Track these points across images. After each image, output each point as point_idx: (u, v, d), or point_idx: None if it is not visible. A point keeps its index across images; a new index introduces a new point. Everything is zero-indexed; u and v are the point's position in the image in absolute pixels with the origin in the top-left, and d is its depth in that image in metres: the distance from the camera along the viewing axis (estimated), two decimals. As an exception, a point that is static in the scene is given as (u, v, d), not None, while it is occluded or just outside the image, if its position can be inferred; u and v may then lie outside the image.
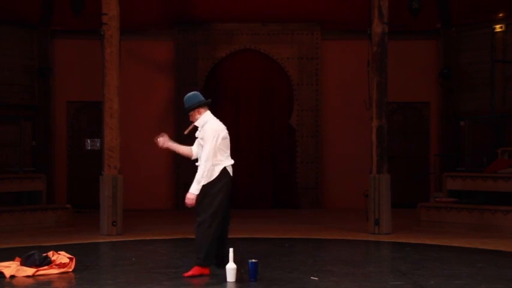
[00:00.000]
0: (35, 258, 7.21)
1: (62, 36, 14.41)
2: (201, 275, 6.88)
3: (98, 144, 14.16)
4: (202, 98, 7.06)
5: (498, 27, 13.53)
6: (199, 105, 7.01)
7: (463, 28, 14.33)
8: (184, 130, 7.22)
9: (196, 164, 7.09)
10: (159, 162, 14.52)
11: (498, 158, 12.13)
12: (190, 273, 6.92)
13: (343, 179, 14.49)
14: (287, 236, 10.18)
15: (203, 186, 6.89)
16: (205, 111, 7.06)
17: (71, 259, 7.35)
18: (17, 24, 13.74)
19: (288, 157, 14.73)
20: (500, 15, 13.66)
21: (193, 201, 6.86)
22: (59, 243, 9.31)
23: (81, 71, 14.18)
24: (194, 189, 6.86)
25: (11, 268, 7.10)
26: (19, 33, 13.82)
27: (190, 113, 7.03)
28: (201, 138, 6.95)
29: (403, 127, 14.87)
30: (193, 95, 7.07)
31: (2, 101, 13.37)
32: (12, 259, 7.40)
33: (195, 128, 7.10)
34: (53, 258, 7.30)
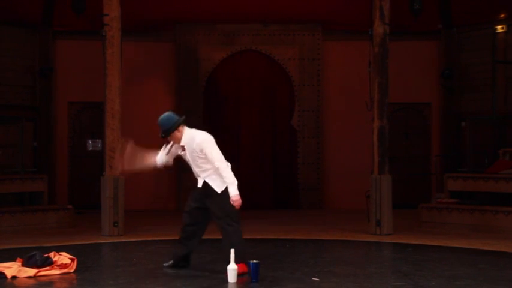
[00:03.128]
0: (36, 259, 7.21)
1: (63, 37, 14.42)
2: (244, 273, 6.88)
3: (99, 145, 14.16)
4: (177, 116, 7.06)
5: (500, 28, 13.52)
6: (179, 125, 7.01)
7: (464, 29, 14.32)
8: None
9: (201, 176, 7.12)
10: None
11: (499, 158, 12.12)
12: (241, 270, 6.89)
13: (344, 179, 14.49)
14: (288, 237, 10.18)
15: (223, 192, 7.01)
16: (183, 128, 7.07)
17: (72, 260, 7.35)
18: (18, 25, 13.75)
19: (289, 158, 14.73)
20: (502, 16, 13.66)
21: (240, 201, 6.99)
22: (61, 244, 9.31)
23: (83, 71, 14.18)
24: (235, 190, 6.97)
25: (13, 269, 7.11)
26: (20, 34, 13.83)
27: (171, 134, 7.02)
28: (200, 151, 6.95)
29: (405, 128, 14.87)
30: (168, 116, 7.05)
31: (4, 101, 13.37)
32: (13, 260, 7.40)
33: (172, 147, 7.16)
34: (54, 259, 7.31)
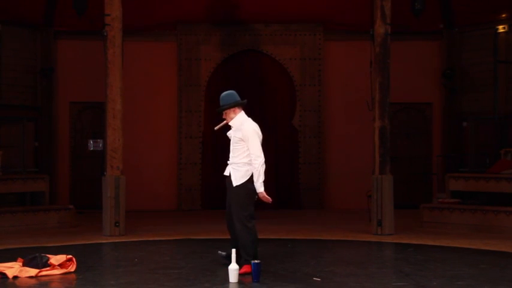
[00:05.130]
0: (37, 262, 7.21)
1: (65, 37, 14.43)
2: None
3: (100, 145, 14.16)
4: (238, 98, 7.26)
5: (501, 28, 13.51)
6: (236, 105, 7.20)
7: (466, 29, 14.31)
8: (215, 126, 7.51)
9: (228, 162, 7.23)
10: (162, 162, 14.53)
11: (501, 158, 12.11)
12: (244, 270, 6.92)
13: (346, 179, 14.48)
14: (289, 237, 10.18)
15: (241, 185, 7.06)
16: (240, 111, 7.26)
17: (70, 259, 7.33)
18: (20, 25, 13.75)
19: (291, 158, 14.73)
20: (503, 15, 13.65)
21: (267, 197, 7.15)
22: (62, 244, 9.33)
23: (84, 71, 14.18)
24: (259, 188, 7.08)
25: (14, 269, 7.11)
26: (22, 34, 13.83)
27: (226, 111, 7.22)
28: (241, 138, 7.09)
29: (406, 128, 14.86)
30: (230, 93, 7.27)
31: (5, 101, 13.37)
32: (14, 260, 7.40)
33: (225, 126, 7.32)
34: (50, 261, 7.28)
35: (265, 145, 14.31)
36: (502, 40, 13.43)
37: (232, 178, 7.12)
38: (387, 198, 10.39)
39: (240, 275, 6.78)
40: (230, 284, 6.61)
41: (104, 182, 10.37)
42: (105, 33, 10.37)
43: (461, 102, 14.42)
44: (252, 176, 7.08)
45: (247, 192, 7.09)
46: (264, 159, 7.09)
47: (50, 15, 14.13)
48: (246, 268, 6.94)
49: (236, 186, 7.09)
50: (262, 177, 7.05)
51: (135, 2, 13.46)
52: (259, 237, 9.88)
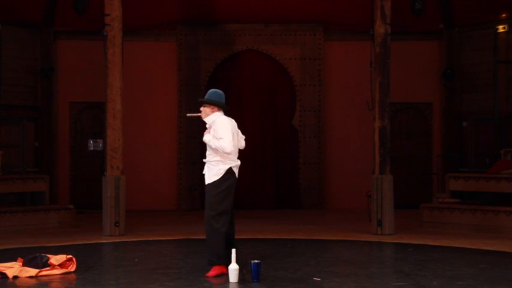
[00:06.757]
0: (37, 262, 7.21)
1: (65, 37, 14.42)
2: (222, 274, 6.88)
3: (100, 145, 14.16)
4: (224, 101, 7.21)
5: (501, 28, 13.50)
6: (217, 105, 7.14)
7: (466, 29, 14.31)
8: (188, 115, 7.66)
9: (204, 160, 7.17)
10: (162, 162, 14.53)
11: (501, 158, 12.11)
12: (212, 273, 6.92)
13: (346, 179, 14.48)
14: (289, 237, 10.18)
15: (212, 184, 6.98)
16: (219, 111, 7.19)
17: (70, 259, 7.33)
18: (20, 25, 13.75)
19: (291, 158, 14.73)
20: (504, 15, 13.64)
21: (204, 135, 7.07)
22: (62, 244, 9.33)
23: (84, 71, 14.19)
24: (207, 138, 7.03)
25: (14, 269, 7.11)
26: (22, 34, 13.83)
27: (205, 106, 7.17)
28: (213, 136, 7.05)
29: (406, 128, 14.86)
30: (219, 93, 7.22)
31: (5, 101, 13.35)
32: (14, 260, 7.40)
33: (197, 118, 7.33)
34: (50, 261, 7.29)
35: (265, 145, 14.54)
36: (502, 40, 13.42)
37: (206, 176, 7.08)
38: (387, 198, 10.39)
39: (213, 277, 6.79)
40: (230, 284, 6.61)
41: (104, 182, 10.37)
42: (105, 33, 10.38)
43: (461, 102, 14.41)
44: (225, 174, 6.99)
45: (218, 191, 6.96)
46: (229, 150, 6.95)
47: (50, 15, 14.13)
48: (216, 270, 6.91)
49: (208, 184, 7.03)
50: (213, 143, 6.92)
51: (135, 2, 13.47)
52: (259, 237, 9.94)
